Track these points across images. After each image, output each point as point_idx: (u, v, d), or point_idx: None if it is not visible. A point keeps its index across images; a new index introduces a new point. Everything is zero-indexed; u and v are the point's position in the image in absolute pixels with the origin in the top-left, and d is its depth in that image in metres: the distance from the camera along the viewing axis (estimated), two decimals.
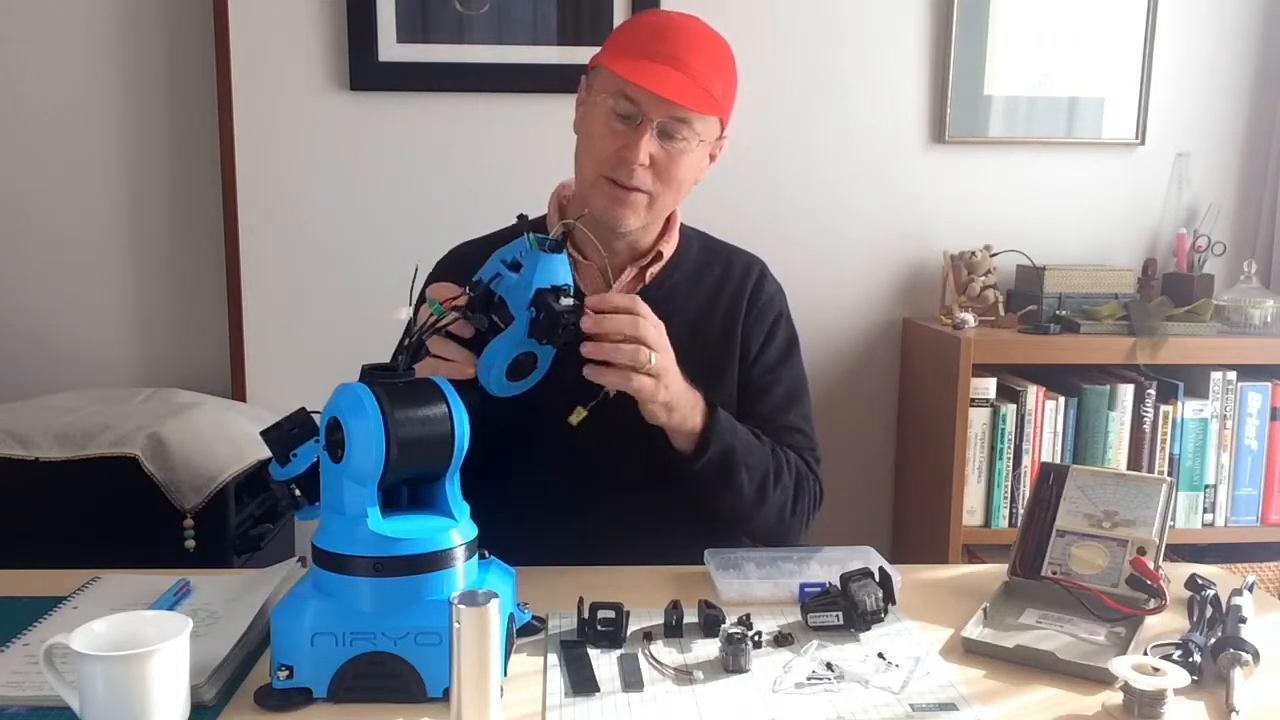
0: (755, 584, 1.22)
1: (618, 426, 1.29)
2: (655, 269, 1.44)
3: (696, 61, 1.31)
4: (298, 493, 1.06)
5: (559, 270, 1.14)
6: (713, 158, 1.42)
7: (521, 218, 1.26)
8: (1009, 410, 2.18)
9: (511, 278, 1.13)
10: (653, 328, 1.21)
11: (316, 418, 1.03)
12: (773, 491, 1.37)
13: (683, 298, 1.44)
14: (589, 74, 1.39)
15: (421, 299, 1.25)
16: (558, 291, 1.13)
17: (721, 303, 1.46)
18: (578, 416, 1.22)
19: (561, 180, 1.48)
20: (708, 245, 1.52)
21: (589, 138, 1.36)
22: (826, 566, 1.26)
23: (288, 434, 1.05)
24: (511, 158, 2.30)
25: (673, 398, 1.25)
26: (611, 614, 1.09)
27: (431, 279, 1.45)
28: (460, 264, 1.45)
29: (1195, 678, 1.00)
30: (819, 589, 1.16)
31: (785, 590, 1.21)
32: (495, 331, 1.14)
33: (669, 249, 1.45)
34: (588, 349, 1.17)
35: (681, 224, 1.49)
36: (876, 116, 2.40)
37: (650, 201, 1.35)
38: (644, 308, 1.21)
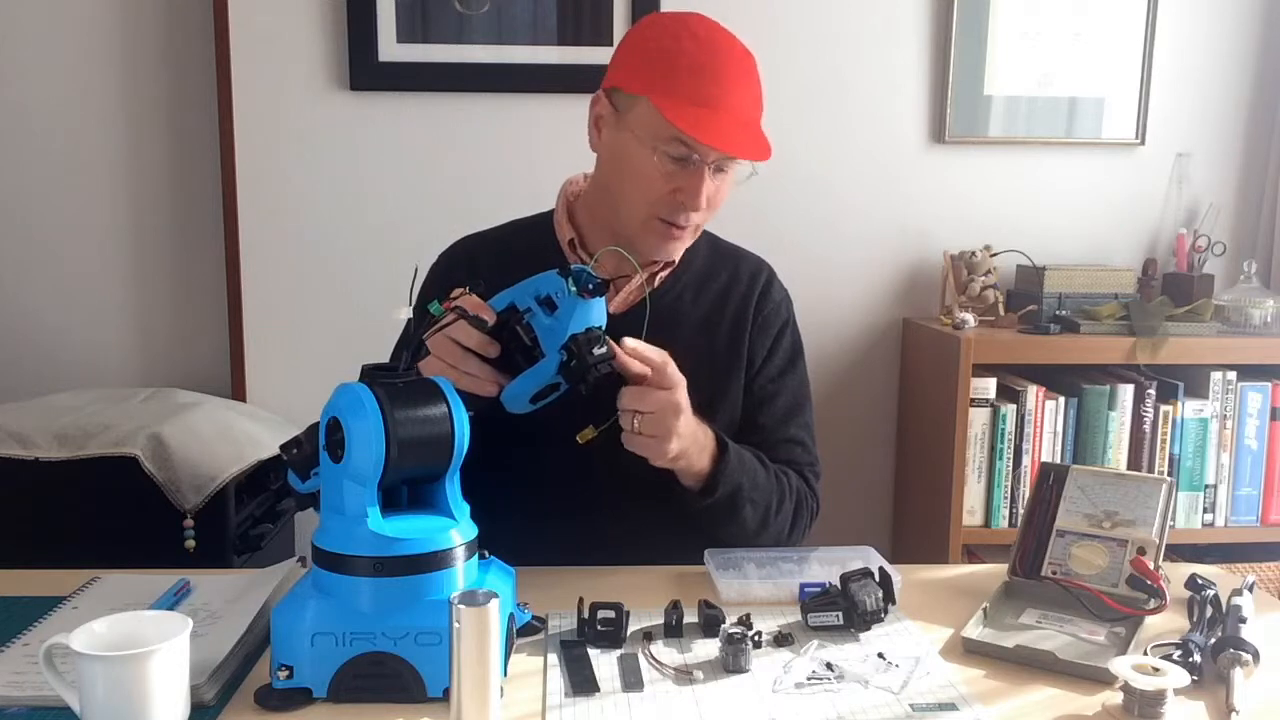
0: (755, 584, 1.22)
1: (619, 428, 1.29)
2: (665, 273, 1.43)
3: (747, 99, 1.28)
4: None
5: (594, 313, 1.13)
6: None
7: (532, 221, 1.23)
8: (1009, 410, 2.18)
9: (544, 319, 1.12)
10: (681, 394, 1.19)
11: None
12: (773, 520, 1.37)
13: (690, 301, 1.43)
14: (613, 96, 1.31)
15: (422, 299, 1.25)
16: (591, 337, 1.11)
17: (729, 307, 1.45)
18: (586, 436, 1.21)
19: (568, 177, 1.46)
20: (716, 247, 1.50)
21: (637, 177, 1.29)
22: (826, 566, 1.26)
23: (308, 455, 1.05)
24: (511, 158, 2.30)
25: (681, 449, 1.23)
26: (611, 614, 1.09)
27: (435, 270, 1.45)
28: (466, 257, 1.45)
29: (1195, 678, 1.00)
30: (819, 589, 1.16)
31: (785, 590, 1.21)
32: (522, 351, 1.13)
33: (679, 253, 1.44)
34: (628, 439, 1.20)
35: None
36: (876, 116, 2.40)
37: (696, 229, 1.36)
38: (674, 375, 1.19)
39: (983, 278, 2.31)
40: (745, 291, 1.46)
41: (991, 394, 2.19)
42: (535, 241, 1.42)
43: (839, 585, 1.14)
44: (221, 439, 1.98)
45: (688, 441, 1.23)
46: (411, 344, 1.11)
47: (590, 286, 1.10)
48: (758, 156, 1.27)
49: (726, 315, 1.44)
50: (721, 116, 1.25)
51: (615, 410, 1.20)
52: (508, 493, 1.34)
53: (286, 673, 0.95)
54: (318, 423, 1.05)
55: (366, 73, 2.27)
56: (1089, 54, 2.40)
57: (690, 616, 1.13)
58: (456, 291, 1.14)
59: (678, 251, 1.37)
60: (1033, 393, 2.19)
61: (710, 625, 1.11)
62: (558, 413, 1.23)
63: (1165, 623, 1.15)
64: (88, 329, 2.36)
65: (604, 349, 1.11)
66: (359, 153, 2.31)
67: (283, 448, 1.07)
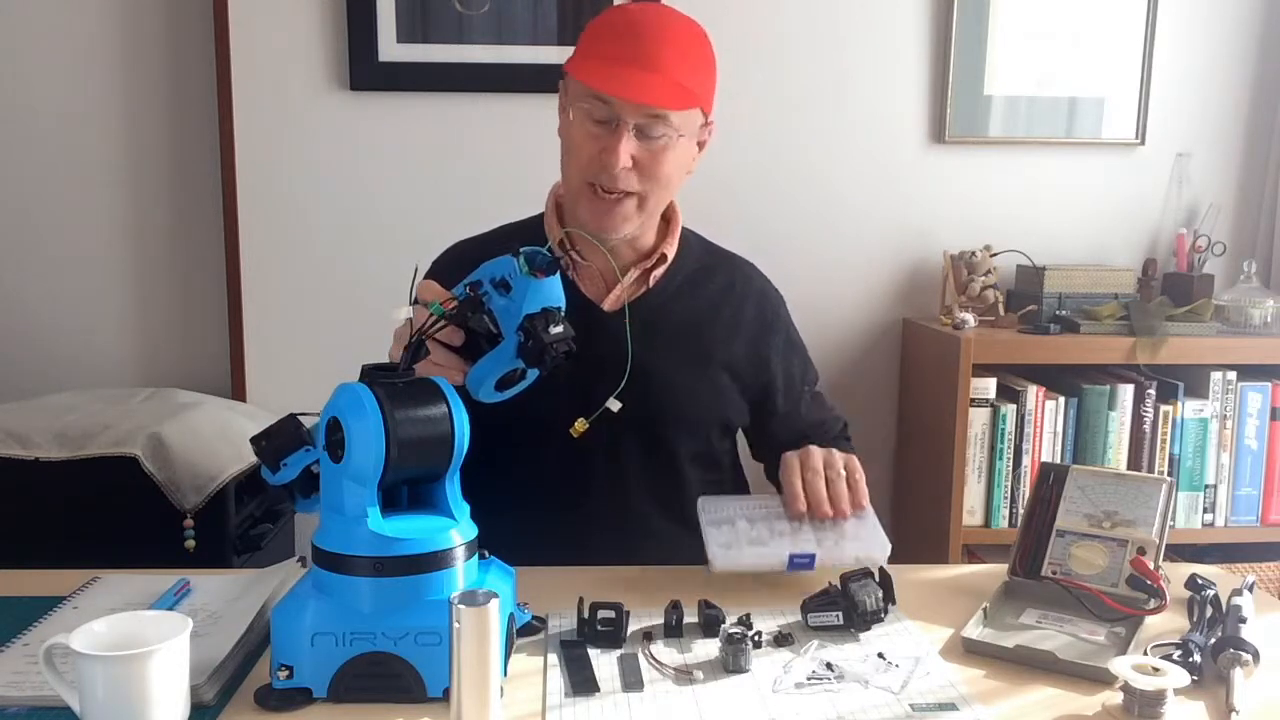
0: (747, 548, 1.22)
1: (617, 427, 1.29)
2: (659, 271, 1.43)
3: (667, 56, 1.28)
4: (294, 492, 1.06)
5: (549, 293, 1.10)
6: (701, 145, 1.39)
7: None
8: (1009, 410, 2.18)
9: (499, 300, 1.10)
10: (832, 471, 1.31)
11: (305, 419, 1.03)
12: None
13: (686, 300, 1.44)
14: (564, 80, 1.37)
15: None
16: (547, 317, 1.08)
17: (725, 309, 1.46)
18: (579, 429, 1.22)
19: (558, 179, 1.47)
20: (706, 248, 1.52)
21: (571, 147, 1.34)
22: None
23: (276, 446, 1.04)
24: (511, 158, 2.30)
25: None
26: (611, 614, 1.09)
27: (428, 277, 1.45)
28: (457, 262, 1.45)
29: (1195, 678, 1.00)
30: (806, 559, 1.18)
31: (775, 558, 1.21)
32: (487, 337, 1.13)
33: (672, 250, 1.44)
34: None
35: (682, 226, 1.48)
36: (876, 116, 2.40)
37: (640, 203, 1.34)
38: (814, 468, 1.31)
39: (983, 278, 2.31)
40: (741, 292, 1.48)
41: (991, 394, 2.19)
42: (526, 243, 1.42)
43: (839, 585, 1.14)
44: (221, 439, 1.98)
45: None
46: (410, 346, 1.11)
47: (543, 266, 1.08)
48: (666, 103, 1.27)
49: (722, 316, 1.46)
50: (630, 71, 1.26)
51: (600, 399, 1.20)
52: (508, 493, 1.34)
53: (286, 673, 0.95)
54: (289, 415, 1.05)
55: (366, 73, 2.27)
56: (1089, 54, 2.40)
57: (690, 616, 1.13)
58: (445, 294, 1.13)
59: (620, 228, 1.34)
60: (1033, 393, 2.18)
61: (710, 625, 1.11)
62: (556, 413, 1.23)
63: (1165, 623, 1.15)
64: (88, 329, 2.36)
65: (560, 328, 1.08)
66: (359, 153, 2.31)
67: (252, 440, 1.06)
